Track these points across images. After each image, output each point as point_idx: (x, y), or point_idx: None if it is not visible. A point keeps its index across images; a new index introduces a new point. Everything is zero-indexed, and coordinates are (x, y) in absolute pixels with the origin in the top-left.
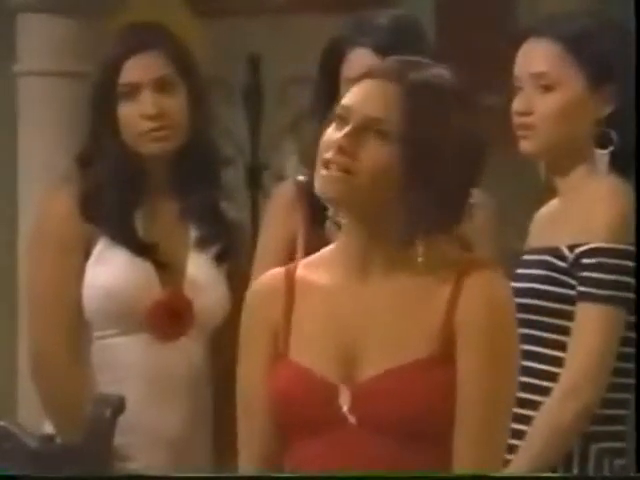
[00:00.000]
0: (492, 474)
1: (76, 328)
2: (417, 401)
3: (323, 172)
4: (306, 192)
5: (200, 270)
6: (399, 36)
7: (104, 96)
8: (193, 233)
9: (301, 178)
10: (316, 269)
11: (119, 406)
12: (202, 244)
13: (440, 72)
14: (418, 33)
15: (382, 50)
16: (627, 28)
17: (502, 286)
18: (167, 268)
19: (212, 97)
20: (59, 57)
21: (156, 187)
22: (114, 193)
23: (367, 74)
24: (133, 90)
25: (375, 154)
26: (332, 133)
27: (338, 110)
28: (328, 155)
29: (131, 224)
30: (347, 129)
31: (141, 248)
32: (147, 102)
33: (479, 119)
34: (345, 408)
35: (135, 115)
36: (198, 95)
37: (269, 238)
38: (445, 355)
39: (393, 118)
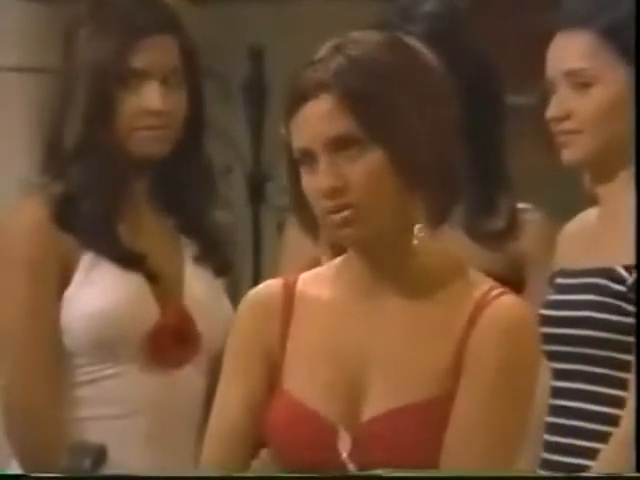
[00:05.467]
0: (494, 474)
1: (56, 362)
2: (424, 447)
3: (331, 218)
4: None
5: (200, 285)
6: (447, 23)
7: (108, 81)
8: (189, 247)
9: None
10: (317, 285)
11: (100, 456)
12: (201, 258)
13: (363, 49)
14: (461, 19)
15: (431, 39)
16: None
17: (523, 319)
18: (161, 283)
19: (207, 95)
20: (27, 51)
21: (139, 195)
22: (97, 196)
23: (295, 106)
24: (139, 78)
25: (360, 168)
26: (309, 180)
27: (297, 156)
28: (327, 204)
29: (115, 231)
30: (320, 166)
31: (128, 258)
32: (154, 95)
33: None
34: (345, 455)
35: (135, 108)
36: (198, 95)
37: (290, 259)
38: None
39: (351, 124)
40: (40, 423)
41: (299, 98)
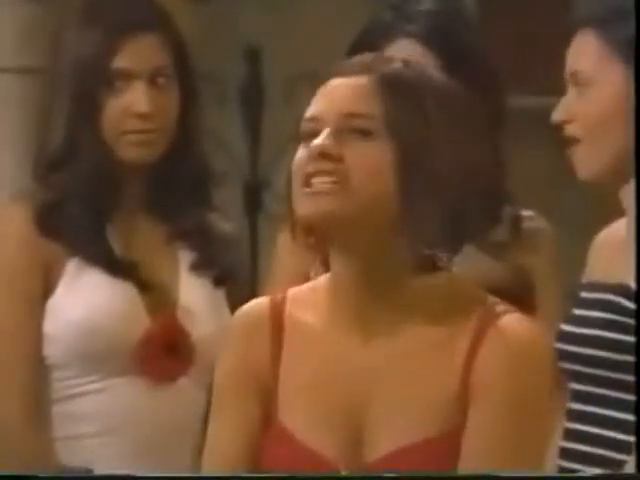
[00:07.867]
0: (495, 474)
1: (36, 377)
2: None
3: (306, 190)
4: None
5: (196, 296)
6: (448, 23)
7: (90, 83)
8: (186, 256)
9: None
10: (308, 306)
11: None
12: (198, 267)
13: (416, 68)
14: (464, 19)
15: (431, 40)
16: None
17: (532, 341)
18: (153, 292)
19: (203, 98)
20: (16, 51)
21: (131, 201)
22: (85, 203)
23: (330, 74)
24: (124, 80)
25: (362, 153)
26: (303, 151)
27: (303, 127)
28: (309, 168)
29: (104, 238)
30: (325, 131)
31: (117, 265)
32: (140, 97)
33: (471, 120)
34: None
35: (120, 110)
36: (190, 95)
37: (282, 273)
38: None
39: (374, 110)
40: (13, 441)
41: (324, 79)
